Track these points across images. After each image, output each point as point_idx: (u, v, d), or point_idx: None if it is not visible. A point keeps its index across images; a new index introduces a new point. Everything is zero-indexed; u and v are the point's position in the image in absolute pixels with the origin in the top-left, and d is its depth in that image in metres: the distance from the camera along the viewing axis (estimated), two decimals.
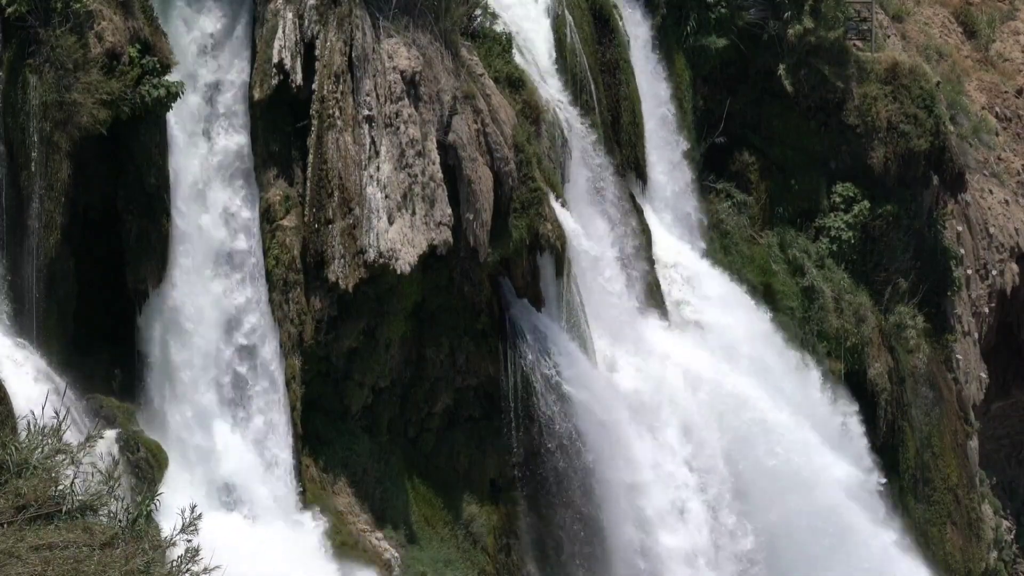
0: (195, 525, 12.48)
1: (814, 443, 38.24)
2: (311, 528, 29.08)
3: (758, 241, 42.75)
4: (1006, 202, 50.57)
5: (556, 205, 33.71)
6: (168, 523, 13.18)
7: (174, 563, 12.53)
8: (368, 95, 29.92)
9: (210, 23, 28.96)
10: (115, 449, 25.45)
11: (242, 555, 25.52)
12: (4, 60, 26.01)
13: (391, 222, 29.80)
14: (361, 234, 29.49)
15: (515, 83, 33.97)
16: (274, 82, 29.16)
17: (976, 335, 48.02)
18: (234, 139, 29.03)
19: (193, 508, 12.66)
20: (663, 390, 35.87)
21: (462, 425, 32.82)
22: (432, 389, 32.32)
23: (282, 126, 29.85)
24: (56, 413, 14.19)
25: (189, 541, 12.57)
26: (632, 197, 37.61)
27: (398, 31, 30.71)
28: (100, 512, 13.22)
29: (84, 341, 26.97)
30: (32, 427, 13.78)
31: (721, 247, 41.44)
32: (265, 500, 28.75)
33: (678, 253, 39.58)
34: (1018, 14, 56.02)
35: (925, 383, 44.77)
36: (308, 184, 29.58)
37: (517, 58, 34.72)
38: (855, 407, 41.66)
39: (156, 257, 27.28)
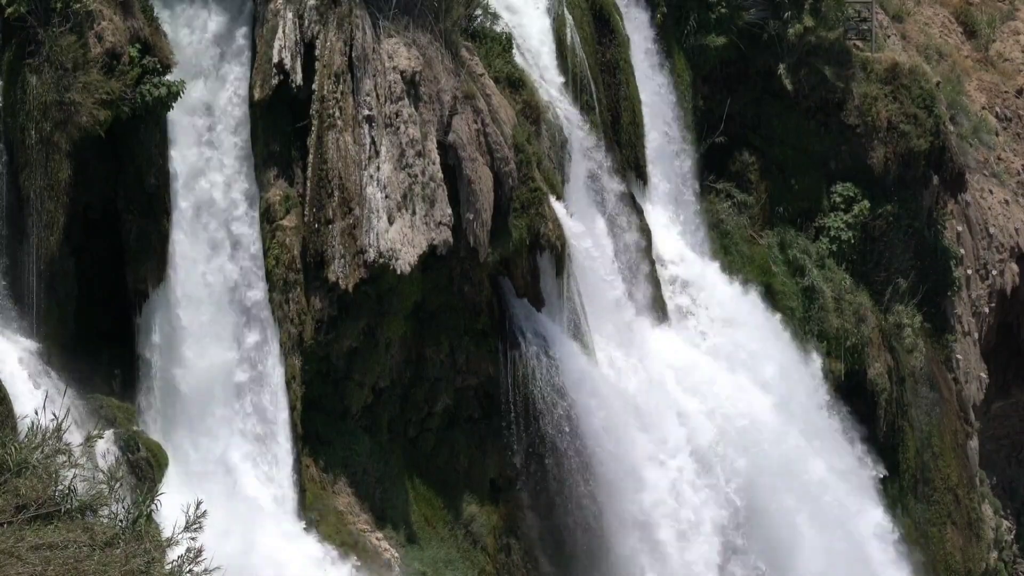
0: (199, 523, 12.43)
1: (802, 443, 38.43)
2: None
3: (758, 241, 42.73)
4: (1006, 202, 50.56)
5: (556, 205, 33.70)
6: (167, 522, 13.15)
7: (175, 563, 12.50)
8: (368, 95, 29.91)
9: (210, 23, 28.97)
10: (115, 449, 25.45)
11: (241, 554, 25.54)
12: (4, 60, 26.00)
13: (391, 222, 29.79)
14: (361, 234, 29.47)
15: (515, 83, 33.96)
16: (274, 82, 29.15)
17: (976, 335, 48.01)
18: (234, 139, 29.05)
19: (198, 505, 12.60)
20: (663, 390, 35.88)
21: (462, 425, 32.80)
22: (432, 389, 32.31)
23: (282, 126, 29.83)
24: (54, 414, 14.17)
25: (193, 539, 12.52)
26: (632, 197, 37.59)
27: (398, 31, 30.70)
28: (100, 512, 13.20)
29: (84, 341, 26.96)
30: (33, 427, 13.76)
31: (721, 247, 41.44)
32: (265, 500, 28.73)
33: (678, 253, 39.57)
34: (1018, 14, 56.01)
35: (925, 383, 44.76)
36: (308, 184, 29.57)
37: (517, 58, 34.71)
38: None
39: (156, 257, 27.26)
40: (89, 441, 14.03)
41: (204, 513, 12.43)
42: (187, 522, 12.36)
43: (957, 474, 45.48)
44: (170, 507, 14.50)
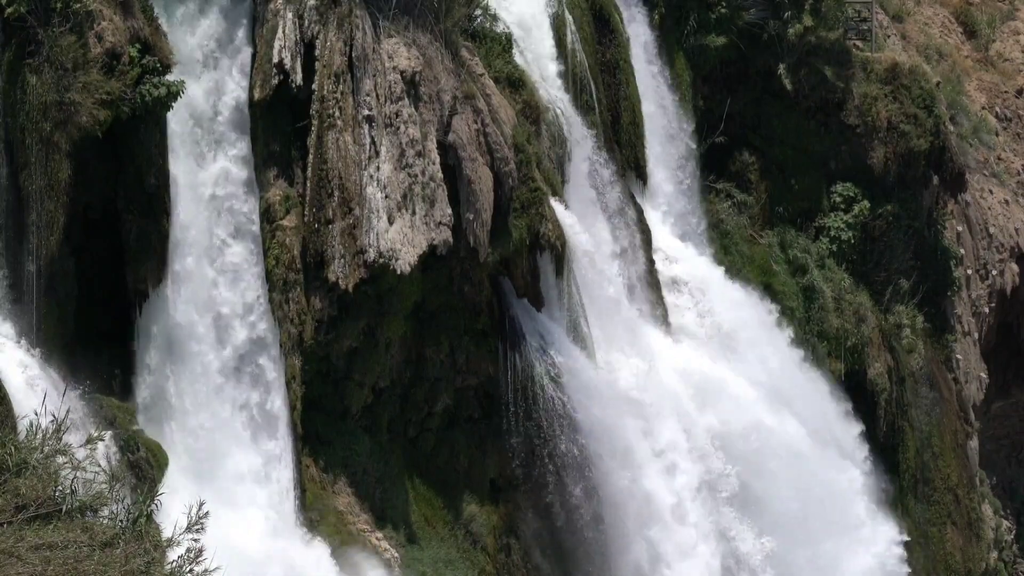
0: (201, 524, 12.40)
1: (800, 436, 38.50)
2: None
3: (758, 241, 42.75)
4: (1006, 202, 50.57)
5: (556, 205, 33.70)
6: (167, 522, 13.13)
7: (175, 563, 12.48)
8: (368, 95, 29.91)
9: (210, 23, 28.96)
10: (114, 449, 25.43)
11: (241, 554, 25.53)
12: (4, 60, 25.98)
13: (391, 222, 29.78)
14: (361, 234, 29.47)
15: (515, 83, 33.95)
16: (274, 82, 29.14)
17: (976, 335, 48.03)
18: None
19: (200, 506, 12.57)
20: (663, 389, 35.88)
21: (462, 425, 32.80)
22: (432, 389, 32.31)
23: (282, 126, 29.83)
24: (54, 415, 14.16)
25: (196, 541, 12.48)
26: (632, 197, 37.60)
27: (398, 31, 30.69)
28: (100, 512, 13.18)
29: (84, 341, 26.94)
30: (32, 427, 13.75)
31: (721, 247, 41.45)
32: (265, 500, 28.71)
33: (678, 253, 39.58)
34: (1018, 14, 56.02)
35: (925, 383, 44.78)
36: (308, 184, 29.56)
37: (517, 58, 34.71)
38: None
39: (156, 257, 27.25)
40: (90, 442, 14.01)
41: (207, 514, 12.41)
42: (189, 522, 12.33)
43: (957, 474, 45.49)
44: (170, 507, 14.49)
